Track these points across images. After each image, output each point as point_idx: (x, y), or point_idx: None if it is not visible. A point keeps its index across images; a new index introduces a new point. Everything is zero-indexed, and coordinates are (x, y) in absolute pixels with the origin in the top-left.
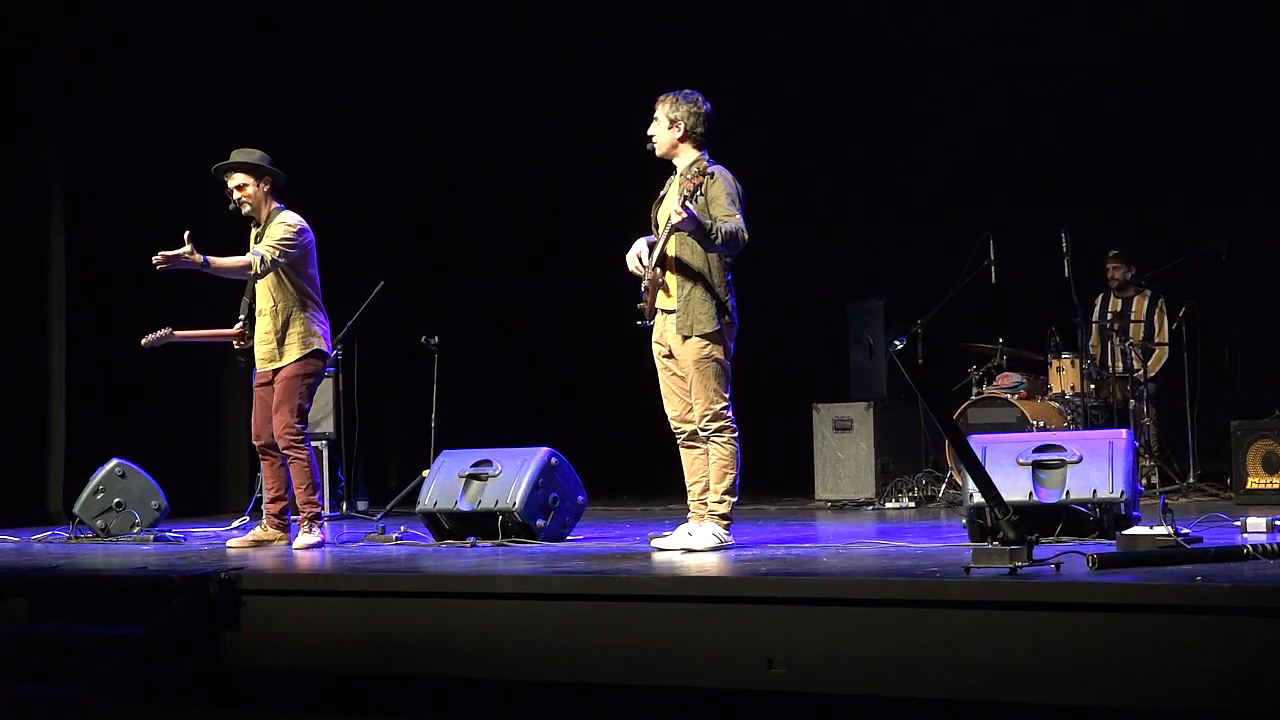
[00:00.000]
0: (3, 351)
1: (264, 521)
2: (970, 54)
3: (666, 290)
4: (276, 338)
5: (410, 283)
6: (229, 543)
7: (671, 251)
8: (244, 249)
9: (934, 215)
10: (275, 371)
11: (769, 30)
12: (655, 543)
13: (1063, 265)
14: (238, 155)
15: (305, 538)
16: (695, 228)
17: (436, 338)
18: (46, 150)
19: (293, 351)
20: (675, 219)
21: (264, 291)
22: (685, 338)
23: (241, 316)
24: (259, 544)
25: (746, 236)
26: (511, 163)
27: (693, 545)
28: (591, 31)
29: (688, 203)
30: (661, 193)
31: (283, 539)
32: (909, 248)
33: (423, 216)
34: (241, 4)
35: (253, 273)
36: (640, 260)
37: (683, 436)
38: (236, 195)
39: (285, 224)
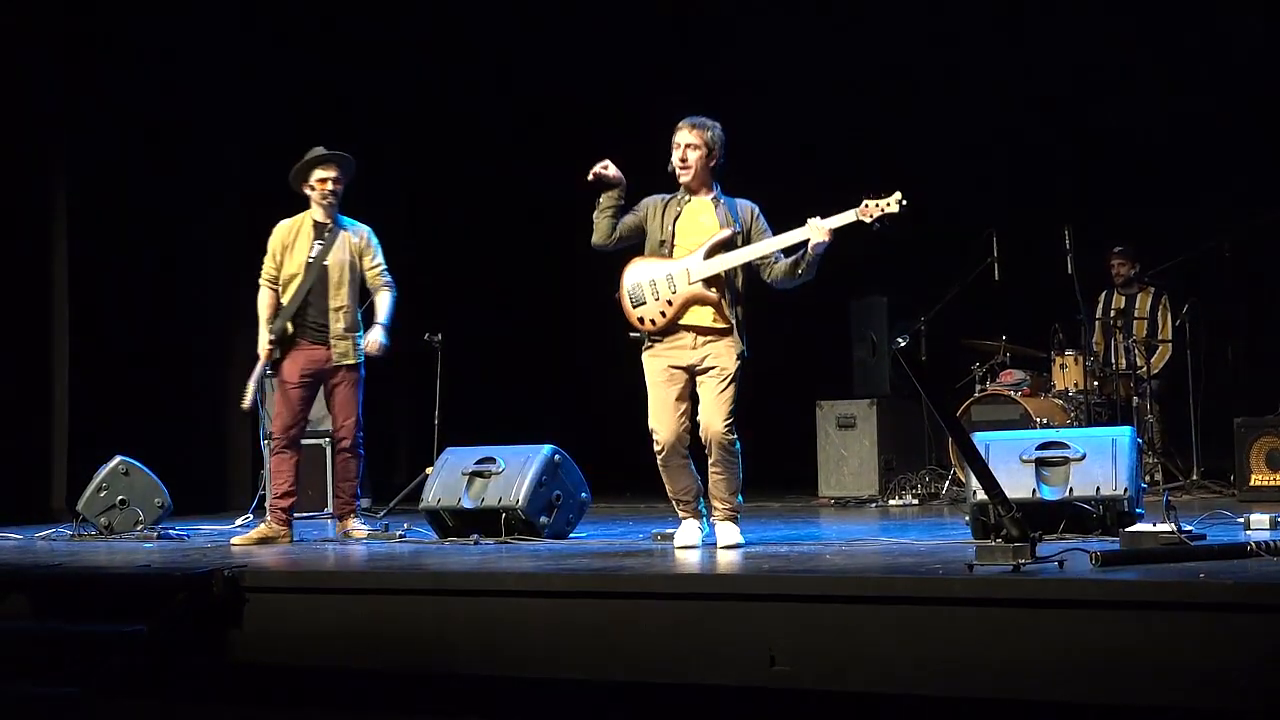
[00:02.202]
0: (6, 349)
1: (269, 519)
2: (974, 50)
3: (718, 309)
4: (351, 335)
5: (413, 280)
6: (233, 540)
7: (723, 272)
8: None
9: (937, 212)
10: (340, 369)
11: (770, 28)
12: (679, 540)
13: (1066, 262)
14: (340, 153)
15: (364, 526)
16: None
17: (440, 335)
18: (50, 150)
19: (358, 353)
20: (820, 237)
21: (340, 291)
22: (736, 355)
23: (273, 338)
24: (264, 541)
25: None
26: (516, 160)
27: (727, 541)
28: (595, 34)
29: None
30: (677, 209)
31: (286, 536)
32: (912, 244)
33: (426, 213)
34: (242, 1)
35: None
36: (655, 285)
37: (671, 458)
38: (331, 186)
39: (374, 242)
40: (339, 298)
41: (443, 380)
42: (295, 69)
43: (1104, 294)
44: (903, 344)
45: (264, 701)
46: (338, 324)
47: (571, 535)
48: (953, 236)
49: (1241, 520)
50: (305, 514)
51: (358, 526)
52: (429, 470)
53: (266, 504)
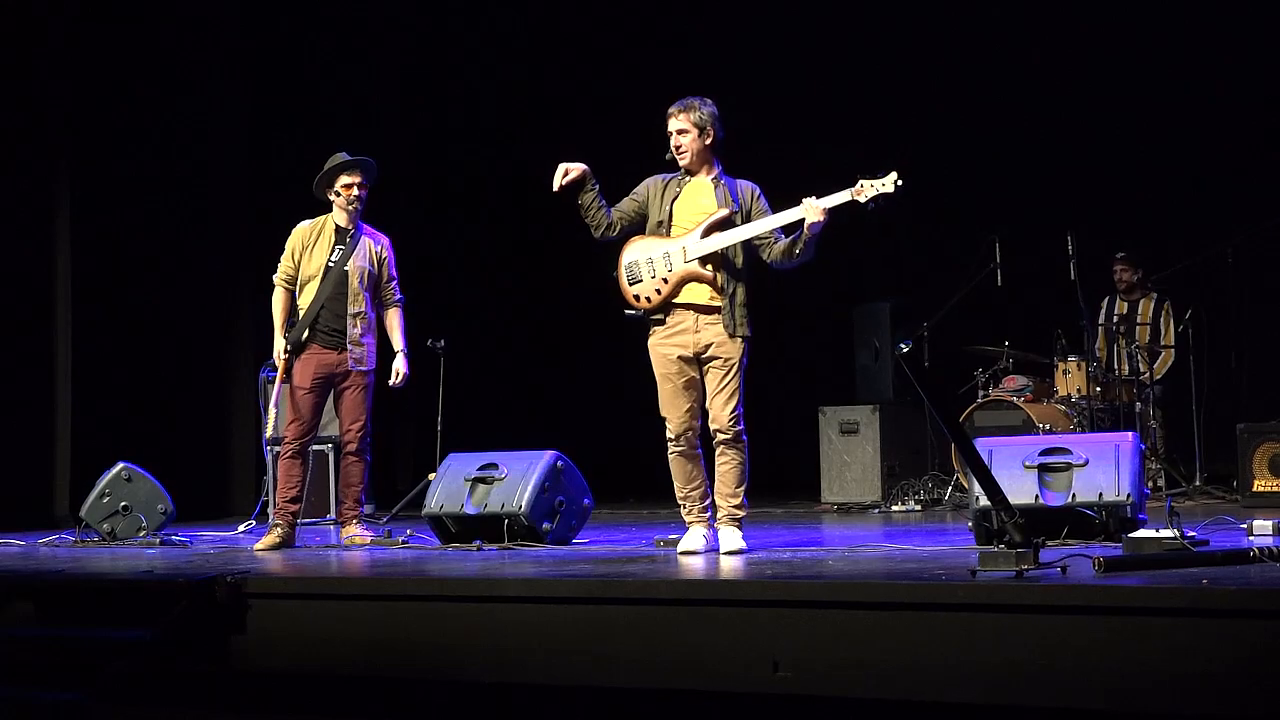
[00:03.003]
0: (9, 355)
1: (282, 523)
2: (976, 54)
3: (715, 287)
4: (367, 342)
5: (416, 286)
6: (256, 547)
7: (721, 250)
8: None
9: (940, 217)
10: (351, 373)
11: (774, 30)
12: (683, 546)
13: (1069, 268)
14: (365, 160)
15: (366, 533)
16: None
17: (442, 341)
18: (53, 153)
19: (374, 358)
20: (816, 216)
21: (359, 297)
22: (731, 337)
23: (289, 347)
24: (279, 546)
25: None
26: (517, 164)
27: (729, 547)
28: (597, 33)
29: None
30: (676, 190)
31: (291, 540)
32: (915, 250)
33: (428, 219)
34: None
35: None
36: (652, 263)
37: (683, 446)
38: (357, 193)
39: (391, 254)
40: (357, 304)
41: (445, 386)
42: (296, 71)
43: (1107, 300)
44: (906, 349)
45: (267, 708)
46: (354, 330)
47: (574, 541)
48: (956, 242)
49: (1244, 526)
50: (309, 520)
51: (360, 533)
52: (432, 476)
53: (271, 508)
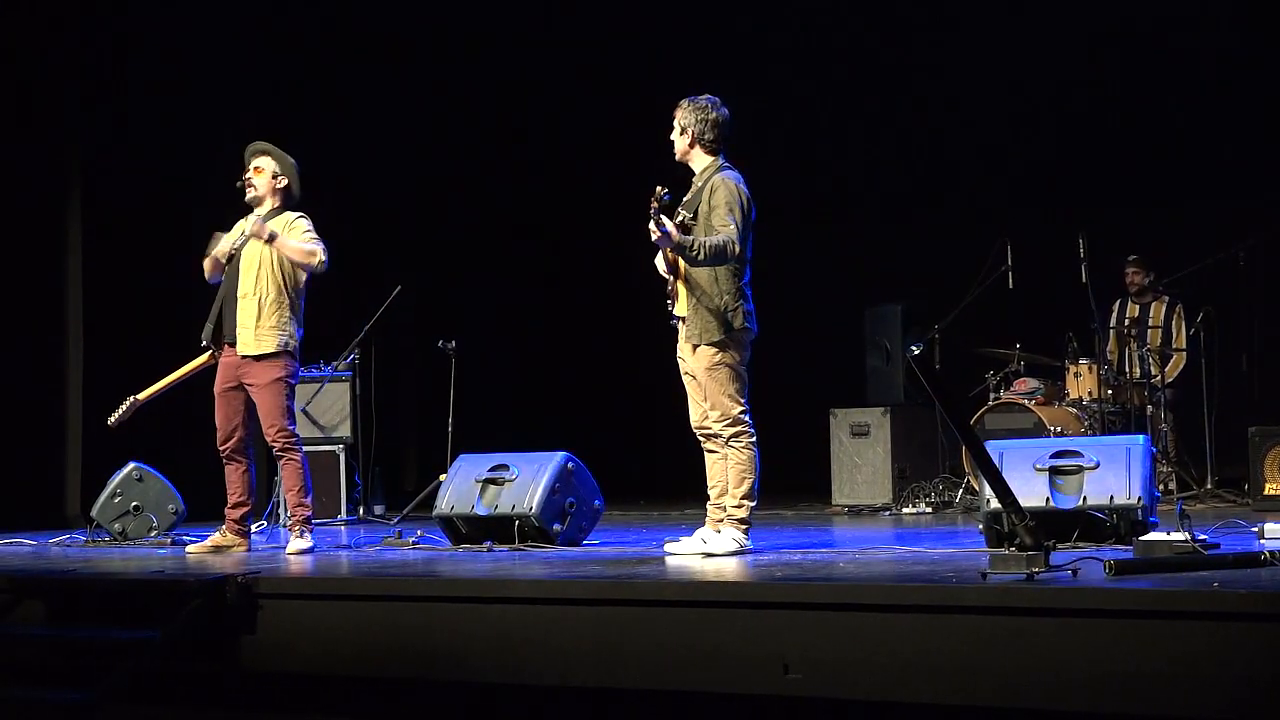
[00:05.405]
0: (20, 355)
1: (224, 526)
2: (988, 57)
3: (676, 298)
4: (253, 326)
5: (427, 287)
6: (188, 549)
7: (681, 263)
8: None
9: (952, 219)
10: (252, 360)
11: (786, 34)
12: (669, 547)
13: (1080, 270)
14: (272, 148)
15: (298, 542)
16: (673, 246)
17: (453, 341)
18: (64, 156)
19: (269, 343)
20: (653, 237)
21: (249, 277)
22: (695, 346)
23: (205, 341)
24: (218, 549)
25: (737, 249)
26: (529, 165)
27: (711, 549)
28: (608, 34)
29: (666, 222)
30: (685, 197)
31: (242, 545)
32: (926, 252)
33: (439, 219)
34: (258, 4)
35: (316, 262)
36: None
37: (701, 439)
38: (249, 175)
39: (309, 226)
40: (245, 284)
41: (456, 387)
42: (304, 74)
43: (1118, 302)
44: (917, 351)
45: (276, 708)
46: (243, 313)
47: (585, 543)
48: (967, 244)
49: (1255, 529)
50: (318, 520)
51: (296, 544)
52: (442, 477)
53: (276, 511)
